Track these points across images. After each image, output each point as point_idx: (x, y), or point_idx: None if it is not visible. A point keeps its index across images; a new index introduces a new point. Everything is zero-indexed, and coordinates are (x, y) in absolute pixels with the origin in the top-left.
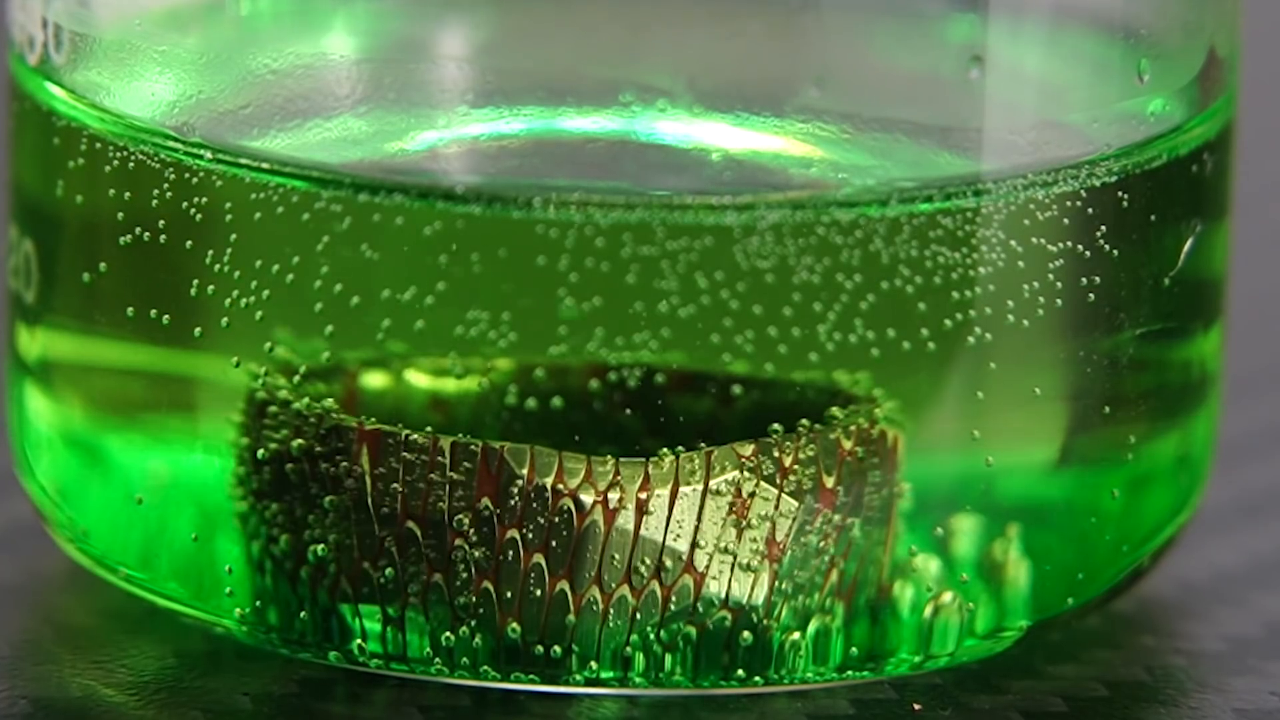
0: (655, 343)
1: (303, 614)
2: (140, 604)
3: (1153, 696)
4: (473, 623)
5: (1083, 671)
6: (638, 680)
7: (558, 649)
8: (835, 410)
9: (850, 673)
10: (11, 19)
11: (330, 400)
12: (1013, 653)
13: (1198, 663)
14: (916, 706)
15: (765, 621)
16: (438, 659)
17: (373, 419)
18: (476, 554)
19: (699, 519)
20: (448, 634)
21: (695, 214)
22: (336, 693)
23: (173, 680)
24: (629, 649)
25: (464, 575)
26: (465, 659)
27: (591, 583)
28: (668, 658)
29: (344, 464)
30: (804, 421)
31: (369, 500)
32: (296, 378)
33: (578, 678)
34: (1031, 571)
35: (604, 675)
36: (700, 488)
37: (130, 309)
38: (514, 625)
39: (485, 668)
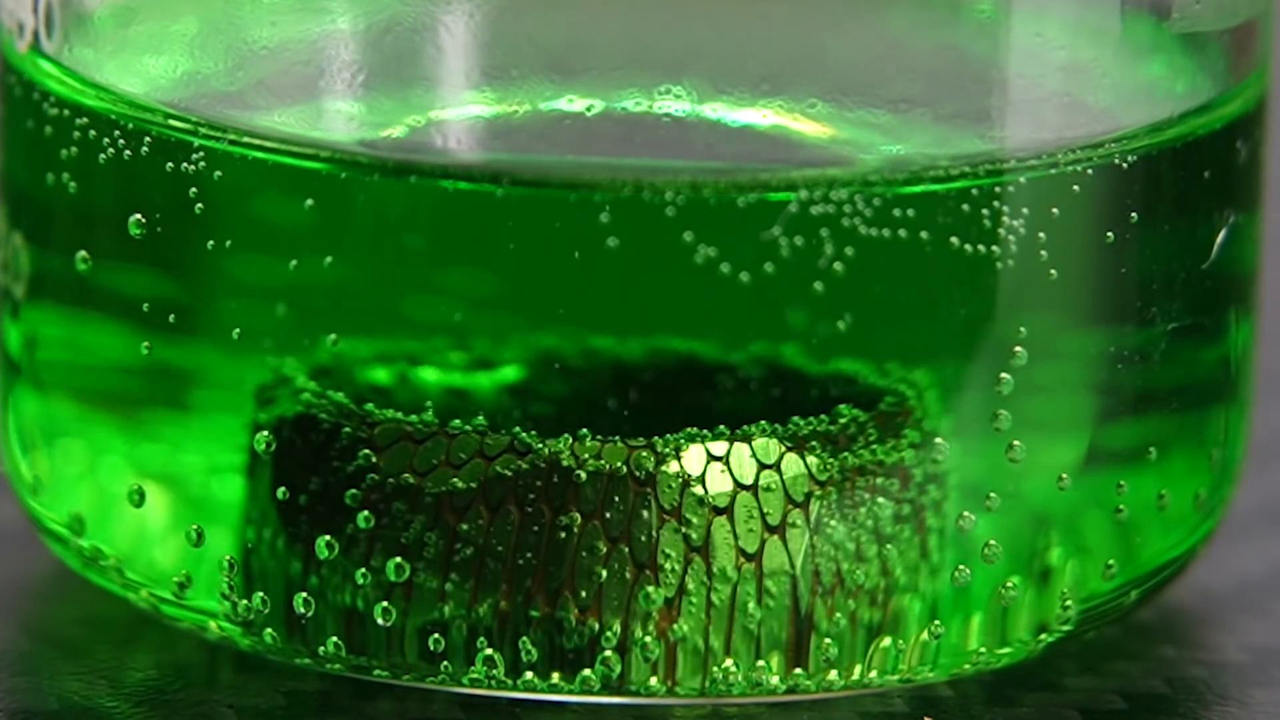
0: (673, 327)
1: (302, 614)
2: (123, 612)
3: (1172, 709)
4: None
5: (1100, 683)
6: (654, 685)
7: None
8: (860, 397)
9: (890, 675)
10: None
11: (339, 393)
12: (1027, 664)
13: (1219, 674)
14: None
15: (797, 620)
16: (446, 664)
17: (387, 411)
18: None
19: (730, 516)
20: (481, 638)
21: (718, 191)
22: (325, 705)
23: (155, 691)
24: (656, 646)
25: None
26: (479, 665)
27: (614, 584)
28: (700, 659)
29: (360, 457)
30: (822, 416)
31: (379, 495)
32: (304, 370)
33: (592, 681)
34: (1064, 568)
35: (632, 677)
36: (729, 481)
37: (125, 299)
38: (537, 633)
39: (494, 664)
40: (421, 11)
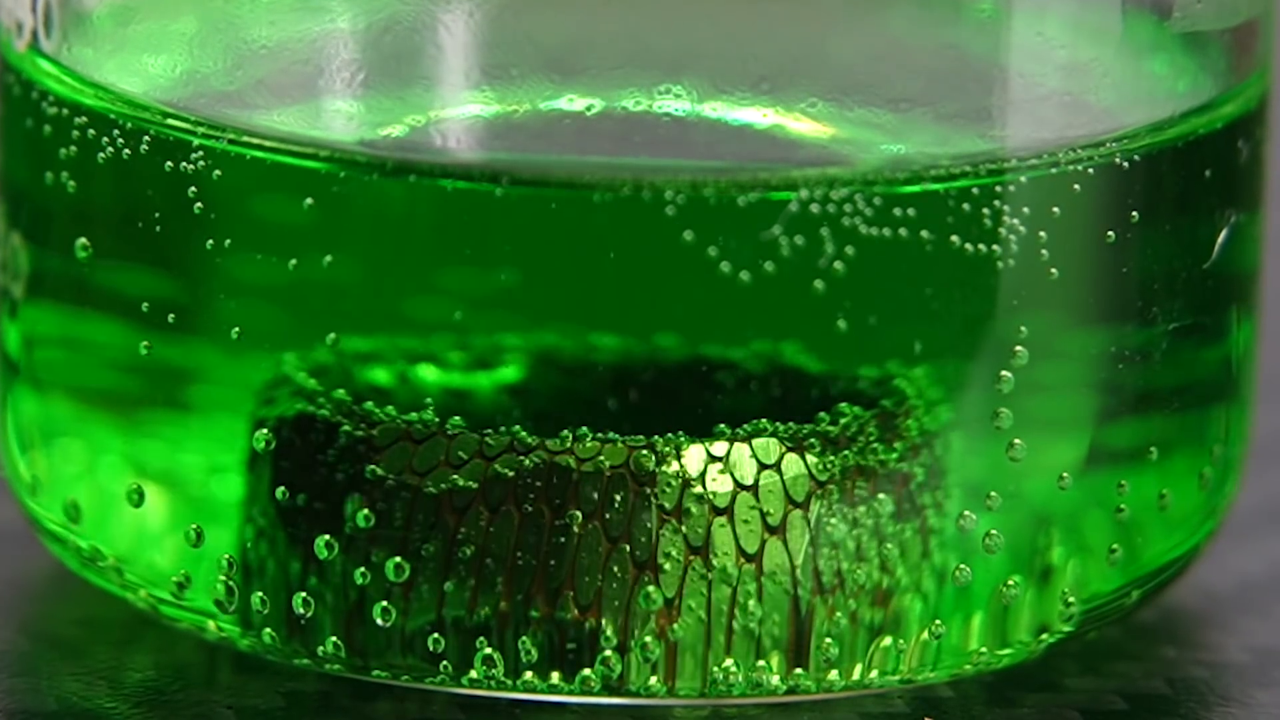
0: (673, 326)
1: (301, 614)
2: (122, 612)
3: (1173, 710)
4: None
5: (1101, 684)
6: (654, 685)
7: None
8: (860, 397)
9: (890, 675)
10: None
11: (339, 392)
12: (1028, 664)
13: (1221, 675)
14: None
15: (797, 620)
16: (445, 664)
17: (387, 409)
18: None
19: (730, 516)
20: (480, 638)
21: (718, 190)
22: (324, 705)
23: (154, 691)
24: (656, 646)
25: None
26: (481, 665)
27: (615, 579)
28: (700, 659)
29: (360, 457)
30: (822, 415)
31: (379, 495)
32: (303, 369)
33: (592, 681)
34: (1065, 568)
35: (632, 678)
36: (729, 481)
37: (124, 298)
38: (537, 633)
39: (495, 666)
40: (421, 11)
